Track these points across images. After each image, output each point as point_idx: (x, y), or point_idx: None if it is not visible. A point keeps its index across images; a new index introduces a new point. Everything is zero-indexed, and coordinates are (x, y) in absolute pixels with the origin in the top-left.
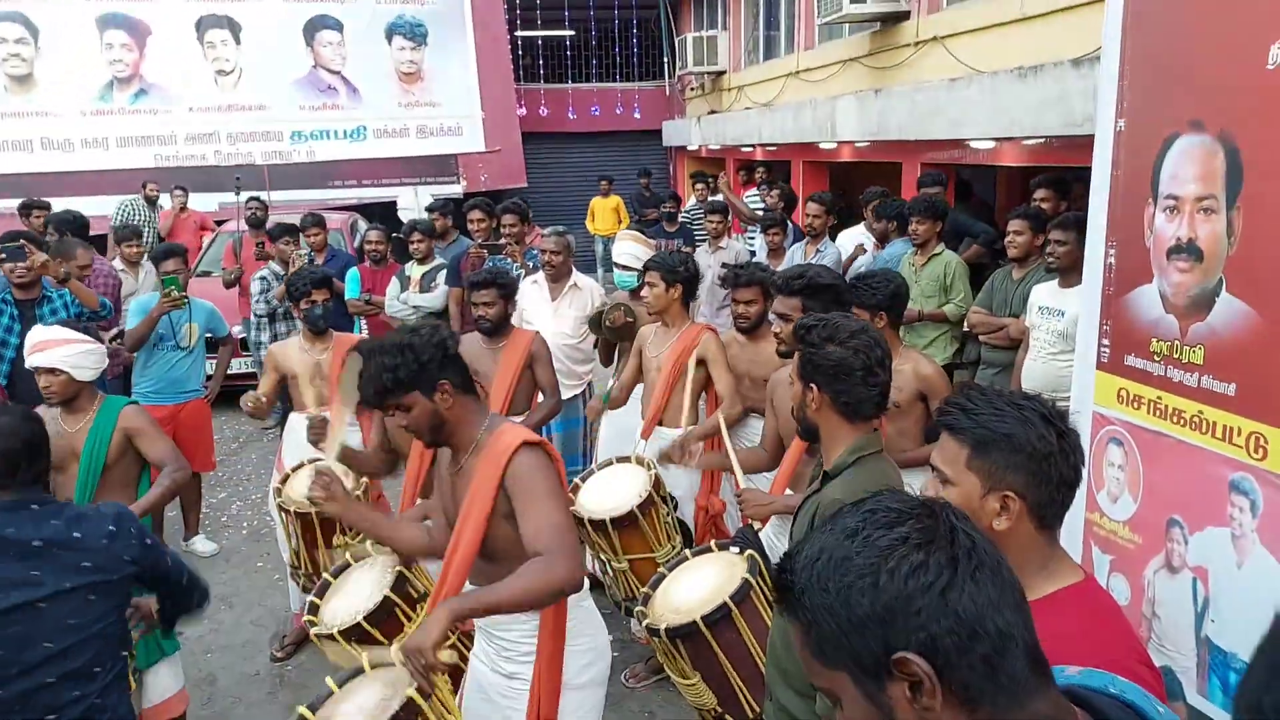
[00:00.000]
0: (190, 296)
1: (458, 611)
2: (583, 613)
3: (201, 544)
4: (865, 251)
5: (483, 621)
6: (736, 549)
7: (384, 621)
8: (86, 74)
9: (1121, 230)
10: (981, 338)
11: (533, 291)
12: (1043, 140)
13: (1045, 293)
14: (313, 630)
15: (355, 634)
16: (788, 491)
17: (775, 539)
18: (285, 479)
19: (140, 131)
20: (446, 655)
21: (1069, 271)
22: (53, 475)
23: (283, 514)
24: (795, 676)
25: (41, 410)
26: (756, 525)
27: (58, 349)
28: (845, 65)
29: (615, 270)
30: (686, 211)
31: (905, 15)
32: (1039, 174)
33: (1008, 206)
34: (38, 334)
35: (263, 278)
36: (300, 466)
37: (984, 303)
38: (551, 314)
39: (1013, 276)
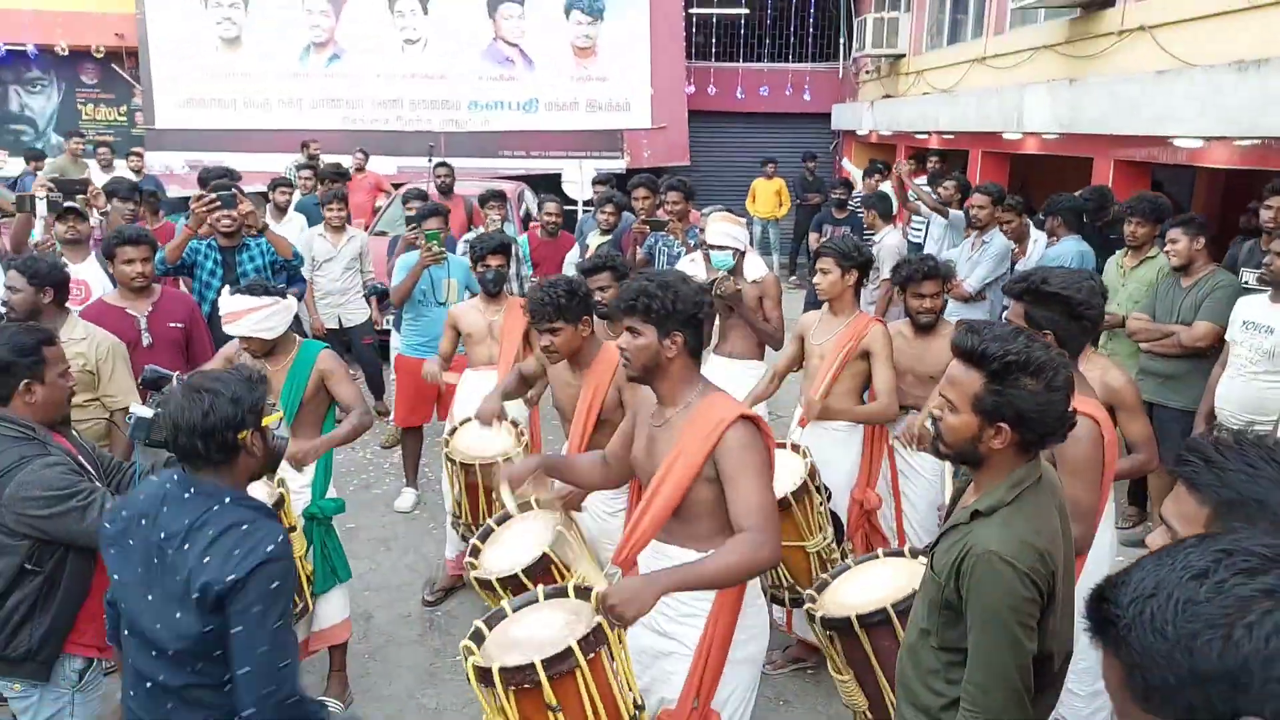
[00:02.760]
0: (450, 254)
1: (669, 586)
2: (753, 589)
3: (402, 500)
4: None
5: (654, 566)
6: (926, 560)
7: (540, 576)
8: (288, 37)
9: None
10: (1144, 346)
11: (692, 269)
12: (1259, 141)
13: (1253, 307)
14: (471, 573)
15: (511, 584)
16: None
17: None
18: (453, 430)
19: (331, 94)
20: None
21: None
22: None
23: (449, 464)
24: (919, 694)
25: (235, 349)
26: None
27: (245, 319)
28: (1037, 52)
29: (711, 252)
30: (854, 199)
31: (1109, 2)
32: (1244, 178)
33: (1204, 211)
34: (226, 304)
35: (467, 240)
36: (468, 420)
37: (1147, 309)
38: None
39: (1180, 284)
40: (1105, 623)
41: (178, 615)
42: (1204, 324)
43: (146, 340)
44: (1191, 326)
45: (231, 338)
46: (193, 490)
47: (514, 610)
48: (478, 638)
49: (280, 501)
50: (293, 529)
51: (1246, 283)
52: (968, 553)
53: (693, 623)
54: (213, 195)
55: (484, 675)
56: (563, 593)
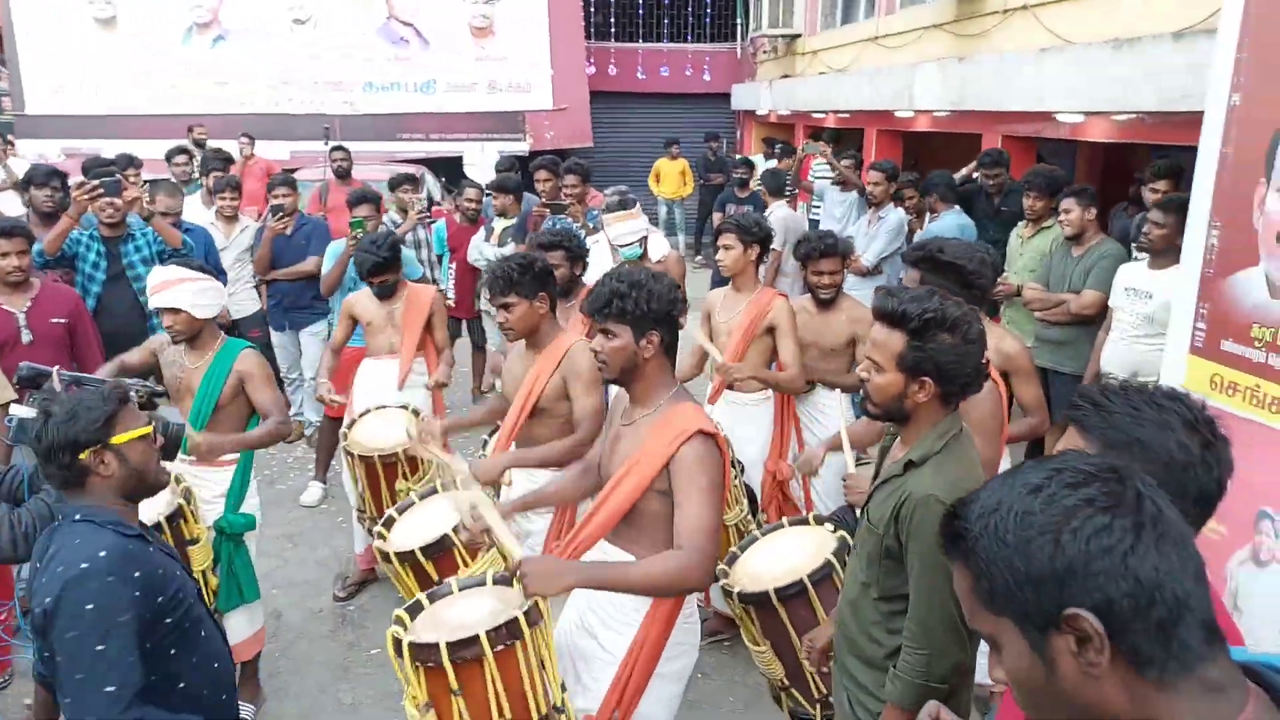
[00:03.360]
0: None
1: (588, 579)
2: (689, 606)
3: (309, 495)
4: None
5: None
6: (831, 527)
7: (439, 556)
8: (168, 19)
9: (1228, 210)
10: (1037, 314)
11: (595, 251)
12: (1135, 116)
13: (1133, 274)
14: (377, 544)
15: (409, 560)
16: None
17: None
18: (352, 424)
19: (217, 77)
20: (543, 604)
21: (1162, 254)
22: (170, 404)
23: (348, 457)
24: (862, 646)
25: (161, 341)
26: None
27: (178, 288)
28: (926, 31)
29: (620, 250)
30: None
31: None
32: (1123, 151)
33: (1087, 182)
34: (159, 274)
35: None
36: (367, 412)
37: (1041, 279)
38: None
39: (1071, 254)
40: (956, 537)
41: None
42: (1091, 292)
43: (26, 337)
44: (1080, 295)
45: (111, 337)
46: (62, 515)
47: (459, 589)
48: (415, 609)
49: (178, 512)
50: (194, 541)
51: (1138, 256)
52: (906, 499)
53: (624, 631)
54: (95, 182)
55: (397, 646)
56: (508, 581)
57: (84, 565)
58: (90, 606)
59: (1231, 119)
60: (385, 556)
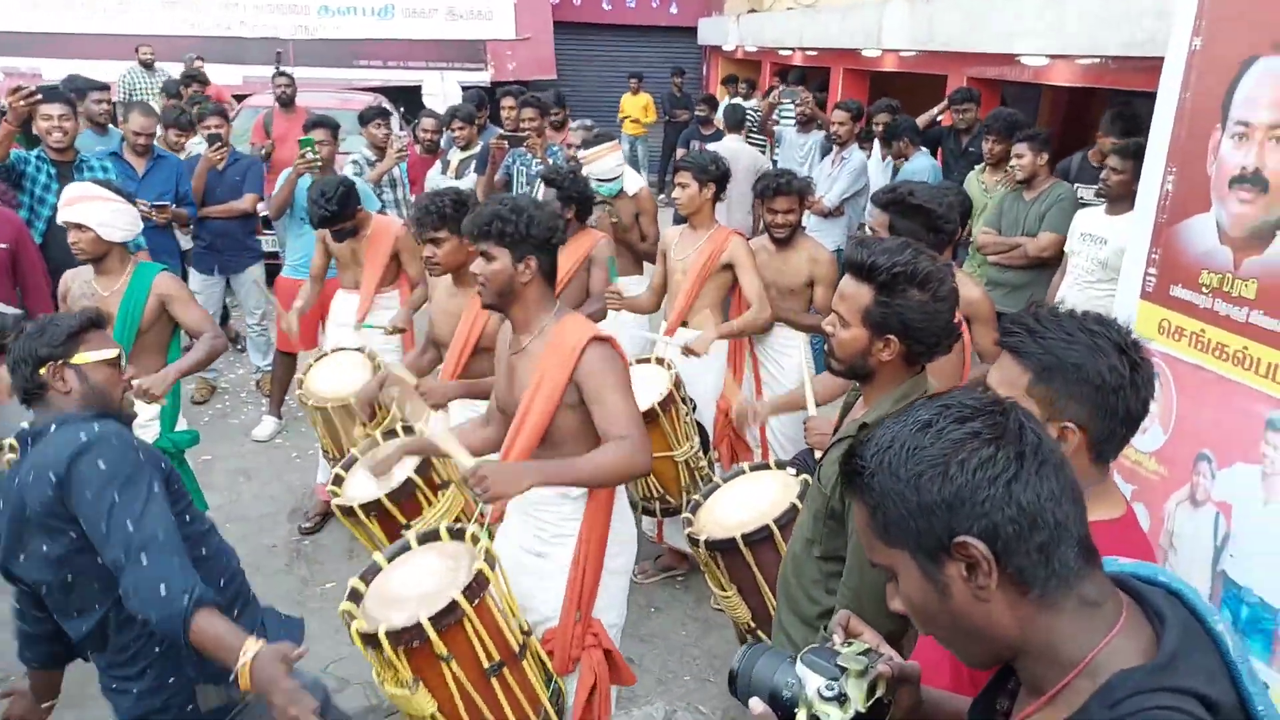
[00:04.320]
0: (338, 170)
1: (541, 477)
2: (620, 502)
3: (261, 429)
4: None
5: (523, 500)
6: (794, 471)
7: (404, 501)
8: None
9: (1183, 156)
10: (991, 258)
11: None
12: (1099, 60)
13: (1090, 219)
14: (334, 501)
15: (375, 510)
16: None
17: None
18: (307, 369)
19: None
20: (514, 488)
21: (1119, 200)
22: None
23: (304, 406)
24: (799, 602)
25: (73, 271)
26: (819, 455)
27: (89, 204)
28: None
29: (598, 185)
30: (754, 110)
31: None
32: (1086, 96)
33: (1049, 127)
34: (73, 189)
35: (355, 162)
36: (322, 357)
37: (991, 223)
38: None
39: (1023, 198)
40: (854, 474)
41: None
42: (1048, 234)
43: None
44: (1037, 237)
45: (60, 263)
46: (28, 440)
47: (388, 561)
48: (355, 597)
49: None
50: None
51: (1082, 198)
52: None
53: (565, 542)
54: (32, 87)
55: (370, 639)
56: (435, 535)
57: (83, 437)
58: (104, 467)
59: (1191, 64)
60: (348, 511)
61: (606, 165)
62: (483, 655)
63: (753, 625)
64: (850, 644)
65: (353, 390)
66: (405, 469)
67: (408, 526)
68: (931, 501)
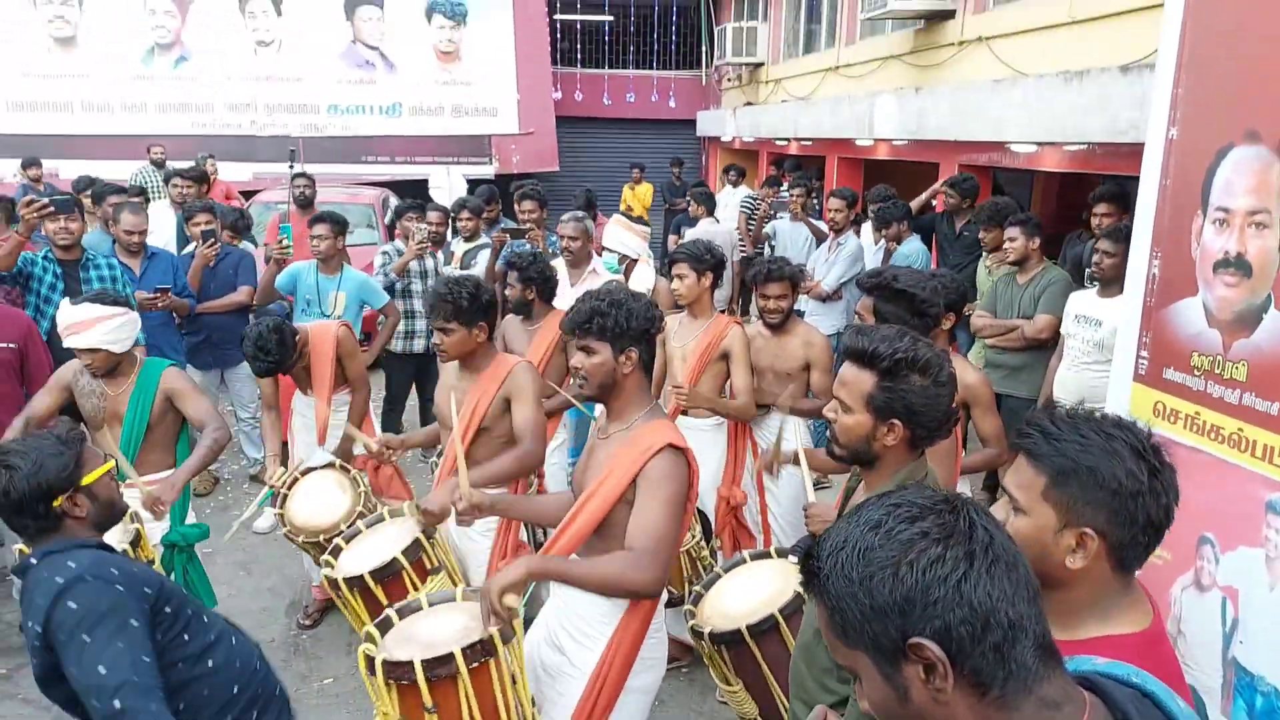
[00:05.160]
0: (346, 265)
1: (539, 569)
2: (658, 620)
3: (262, 521)
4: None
5: (561, 589)
6: (795, 559)
7: (389, 580)
8: (129, 38)
9: (1167, 241)
10: (989, 341)
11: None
12: (1085, 146)
13: (1084, 301)
14: (324, 570)
15: (358, 585)
16: None
17: None
18: (282, 501)
19: (179, 98)
20: (512, 600)
21: (1110, 282)
22: (90, 434)
23: (291, 541)
24: (812, 692)
25: (77, 368)
26: None
27: (92, 329)
28: (886, 62)
29: (604, 254)
30: (748, 199)
31: (950, 14)
32: (1078, 180)
33: (1042, 211)
34: (68, 314)
35: (385, 253)
36: (296, 482)
37: (987, 306)
38: (572, 299)
39: (1017, 281)
40: (811, 575)
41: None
42: (1045, 316)
43: None
44: (1034, 320)
45: (70, 357)
46: (20, 574)
47: (429, 605)
48: (385, 625)
49: (136, 538)
50: (151, 563)
51: (1090, 284)
52: None
53: (592, 645)
54: (45, 200)
55: (370, 664)
56: (478, 595)
57: (59, 580)
58: (75, 607)
59: (1170, 151)
60: (334, 584)
61: (620, 237)
62: None
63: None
64: None
65: (341, 515)
66: (392, 548)
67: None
68: (884, 604)
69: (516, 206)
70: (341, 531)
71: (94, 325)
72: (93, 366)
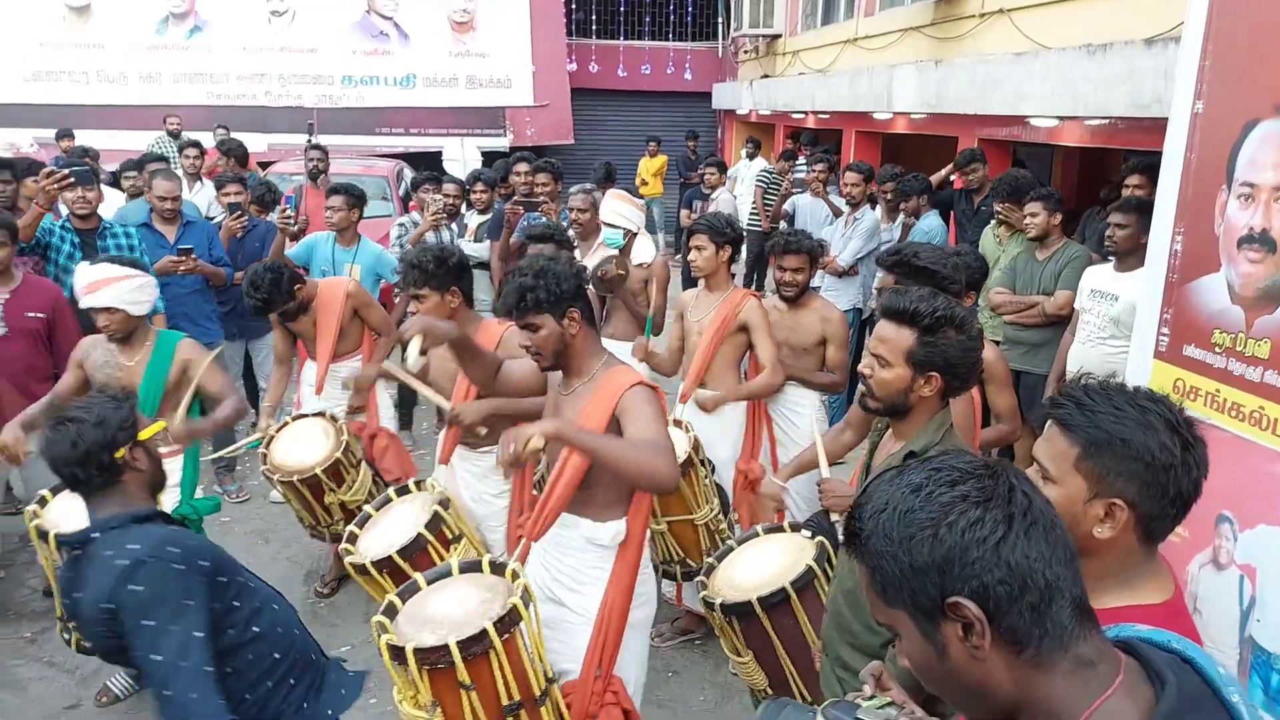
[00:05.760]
0: (363, 237)
1: (564, 433)
2: (644, 554)
3: (277, 492)
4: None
5: (548, 544)
6: (809, 533)
7: (416, 556)
8: (143, 8)
9: (1190, 216)
10: (1007, 318)
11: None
12: (1107, 120)
13: (1099, 276)
14: (347, 559)
15: (387, 566)
16: None
17: None
18: (269, 442)
19: (193, 69)
20: (536, 441)
21: (1126, 256)
22: None
23: (270, 481)
24: (860, 636)
25: (93, 341)
26: (834, 516)
27: (110, 287)
28: (905, 34)
29: (603, 229)
30: (764, 173)
31: None
32: (1099, 155)
33: (1063, 187)
34: (86, 274)
35: (401, 225)
36: (284, 426)
37: (1005, 283)
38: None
39: (1036, 257)
40: (854, 536)
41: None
42: (1065, 292)
43: (1, 329)
44: (1054, 296)
45: (87, 334)
46: (77, 546)
47: (428, 583)
48: (390, 612)
49: None
50: None
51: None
52: None
53: (587, 591)
54: (64, 170)
55: (398, 654)
56: (477, 566)
57: (122, 563)
58: (138, 590)
59: (1195, 125)
60: (361, 569)
61: (617, 208)
62: (503, 692)
63: (769, 692)
64: (874, 698)
65: (319, 459)
66: (416, 524)
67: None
68: (923, 563)
69: (515, 177)
70: (314, 477)
71: (112, 284)
72: (110, 328)
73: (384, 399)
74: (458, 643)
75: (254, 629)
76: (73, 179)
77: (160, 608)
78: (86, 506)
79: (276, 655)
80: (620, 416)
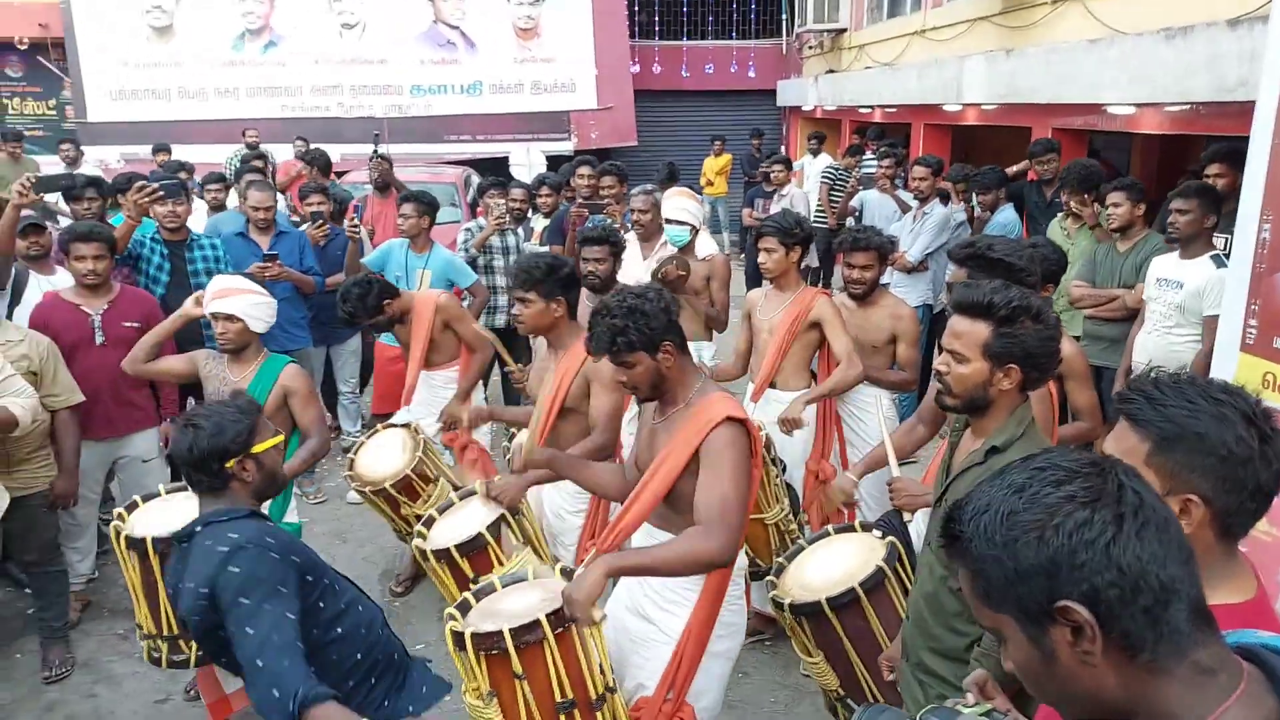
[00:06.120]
0: (436, 244)
1: (615, 568)
2: (736, 587)
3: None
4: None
5: None
6: (879, 533)
7: (474, 554)
8: (221, 26)
9: (1279, 204)
10: (1087, 312)
11: (628, 249)
12: (1188, 106)
13: (1164, 264)
14: (415, 542)
15: (445, 558)
16: None
17: (925, 530)
18: (356, 450)
19: (268, 82)
20: (597, 613)
21: (1190, 242)
22: None
23: (356, 492)
24: (941, 639)
25: (208, 353)
26: (906, 515)
27: (239, 297)
28: (974, 24)
29: (667, 226)
30: (830, 169)
31: None
32: (1180, 142)
33: (1142, 175)
34: (221, 281)
35: (468, 229)
36: (361, 444)
37: (1085, 276)
38: (644, 272)
39: (1118, 249)
40: (953, 539)
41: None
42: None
43: (99, 339)
44: (1135, 289)
45: (199, 346)
46: (185, 540)
47: (503, 586)
48: (464, 608)
49: None
50: None
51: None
52: None
53: (676, 611)
54: (154, 184)
55: (459, 639)
56: (549, 573)
57: (222, 549)
58: (237, 571)
59: None
60: (424, 555)
61: (681, 204)
62: (556, 688)
63: (841, 693)
64: (974, 705)
65: (395, 470)
66: (478, 523)
67: (475, 580)
68: (1029, 567)
69: (574, 178)
70: (385, 489)
71: (241, 295)
72: (225, 337)
73: None
74: (511, 630)
75: (337, 630)
76: (161, 193)
77: (256, 588)
78: (199, 503)
79: (359, 656)
80: (702, 454)
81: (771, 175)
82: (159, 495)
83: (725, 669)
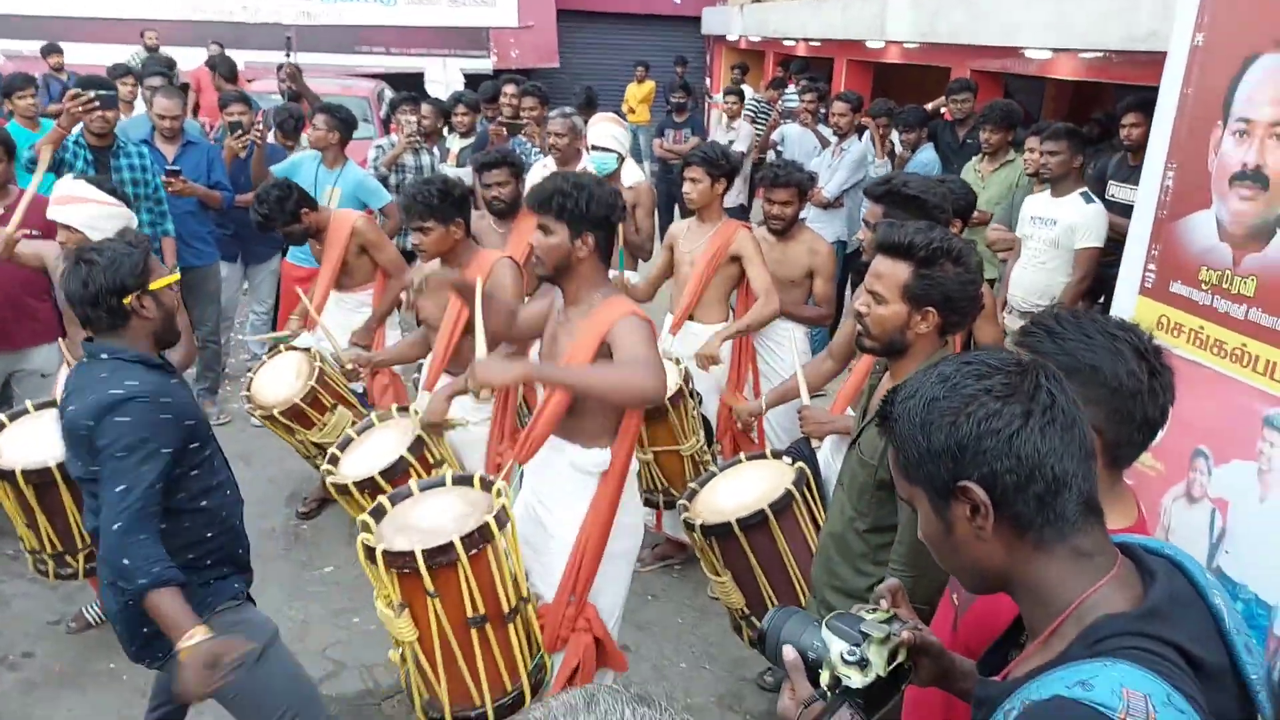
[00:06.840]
0: (349, 162)
1: (538, 373)
2: (630, 489)
3: None
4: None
5: (537, 465)
6: (789, 460)
7: (398, 479)
8: None
9: (1184, 152)
10: (1001, 255)
11: (542, 174)
12: (1101, 54)
13: (1037, 203)
14: (329, 479)
15: (369, 487)
16: (848, 411)
17: (832, 458)
18: (253, 374)
19: None
20: (486, 395)
21: (1060, 181)
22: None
23: (253, 416)
24: (845, 578)
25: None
26: (815, 443)
27: (80, 207)
28: None
29: (593, 153)
30: (753, 100)
31: None
32: (1091, 89)
33: (1054, 120)
34: (65, 186)
35: (378, 147)
36: (262, 365)
37: (1004, 220)
38: None
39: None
40: (885, 416)
41: (77, 463)
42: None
43: None
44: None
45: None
46: (87, 357)
47: (420, 490)
48: (378, 513)
49: None
50: None
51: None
52: None
53: (568, 516)
54: (92, 94)
55: (369, 554)
56: (468, 480)
57: (116, 393)
58: (123, 421)
59: (1193, 59)
60: (343, 489)
61: (609, 130)
62: (469, 604)
63: (746, 611)
64: (875, 611)
65: (294, 392)
66: (400, 447)
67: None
68: (940, 448)
69: (504, 98)
70: (274, 416)
71: (83, 204)
72: (66, 246)
73: (392, 338)
74: (423, 551)
75: (201, 502)
76: (98, 104)
77: (139, 447)
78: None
79: (209, 535)
80: (610, 343)
81: (726, 108)
82: (28, 412)
83: (624, 570)
